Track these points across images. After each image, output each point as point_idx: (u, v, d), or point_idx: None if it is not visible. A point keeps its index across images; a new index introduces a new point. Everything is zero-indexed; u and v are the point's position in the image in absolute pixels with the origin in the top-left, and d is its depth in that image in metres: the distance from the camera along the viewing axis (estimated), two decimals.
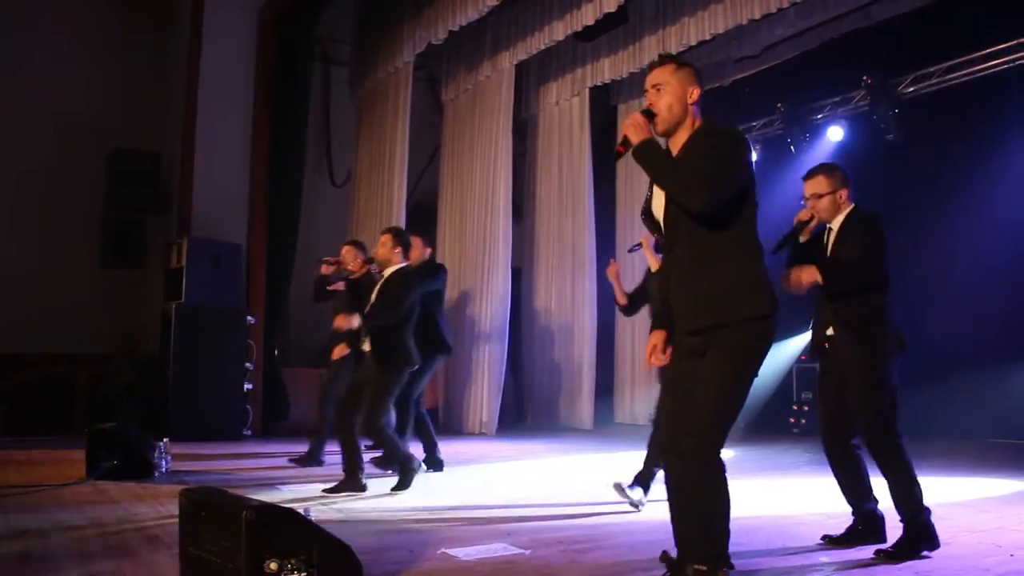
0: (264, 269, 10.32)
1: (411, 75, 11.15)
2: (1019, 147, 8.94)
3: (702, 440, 3.00)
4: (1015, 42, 9.04)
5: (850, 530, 4.15)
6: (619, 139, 3.23)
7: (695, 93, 3.20)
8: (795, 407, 10.47)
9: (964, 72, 9.58)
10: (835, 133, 10.77)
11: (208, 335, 9.25)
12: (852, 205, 4.22)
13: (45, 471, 6.45)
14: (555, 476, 6.85)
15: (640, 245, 5.28)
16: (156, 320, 10.02)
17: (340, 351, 6.68)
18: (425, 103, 12.55)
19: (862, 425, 3.98)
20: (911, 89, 10.11)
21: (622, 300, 5.84)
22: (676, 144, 3.23)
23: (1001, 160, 9.05)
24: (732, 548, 3.05)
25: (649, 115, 3.21)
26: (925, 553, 3.81)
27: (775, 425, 10.34)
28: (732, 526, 3.06)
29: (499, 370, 10.95)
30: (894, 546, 3.85)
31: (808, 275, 4.03)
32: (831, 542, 4.12)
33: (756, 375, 3.07)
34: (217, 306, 9.41)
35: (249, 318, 9.76)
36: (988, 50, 9.34)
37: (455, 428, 11.06)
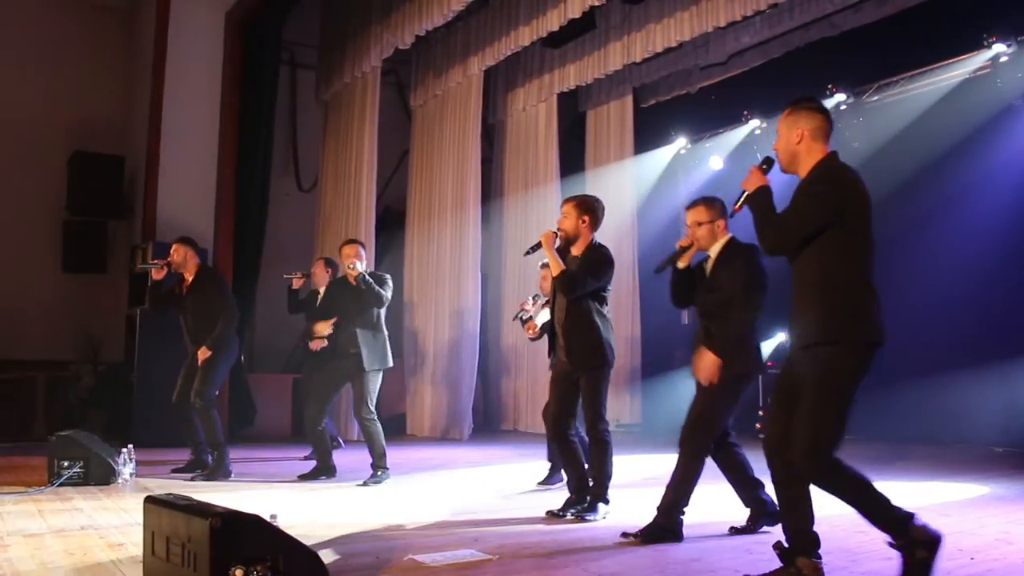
0: (230, 274, 10.24)
1: (379, 80, 11.13)
2: (981, 155, 9.07)
3: (811, 462, 3.22)
4: (975, 53, 9.18)
5: (749, 518, 4.63)
6: (737, 198, 3.61)
7: (800, 133, 3.45)
8: (761, 412, 10.53)
9: (927, 82, 9.72)
10: None
11: (173, 340, 9.12)
12: (728, 235, 4.59)
13: (5, 478, 6.36)
14: (523, 482, 6.86)
15: (539, 245, 5.21)
16: (120, 325, 9.91)
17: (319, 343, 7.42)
18: (393, 108, 12.52)
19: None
20: (875, 98, 10.23)
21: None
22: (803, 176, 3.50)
23: (965, 168, 9.16)
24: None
25: (767, 162, 3.60)
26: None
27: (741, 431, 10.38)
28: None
29: (470, 376, 10.94)
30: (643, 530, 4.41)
31: (709, 363, 4.41)
32: (736, 532, 4.58)
33: (852, 393, 3.23)
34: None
35: None
36: (949, 60, 9.48)
37: (424, 434, 11.04)
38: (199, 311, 6.99)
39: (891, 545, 3.24)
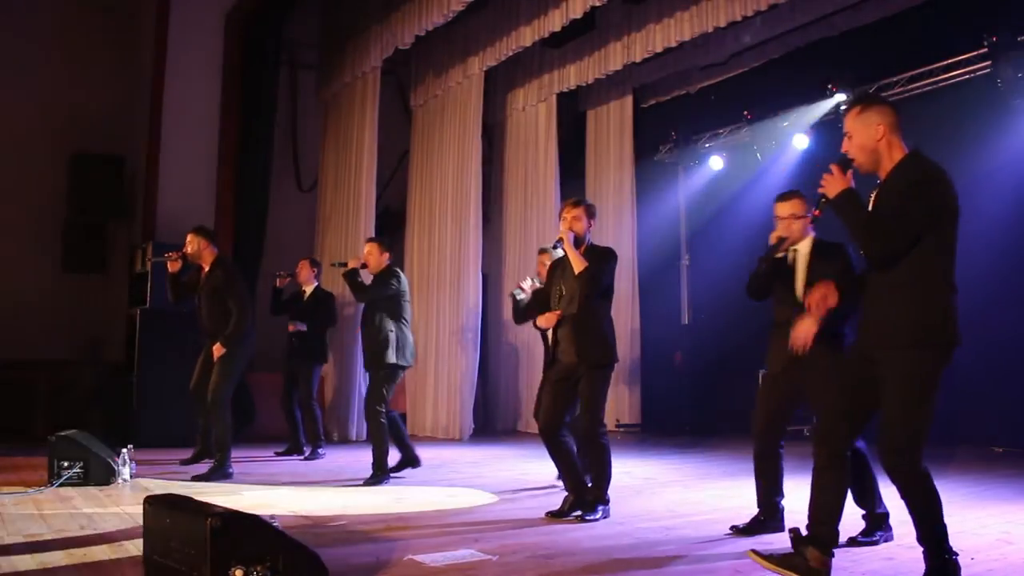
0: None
1: (379, 80, 11.13)
2: (980, 156, 9.06)
3: (902, 458, 3.27)
4: (975, 53, 9.18)
5: (754, 520, 4.58)
6: (817, 201, 3.54)
7: (879, 131, 3.40)
8: None
9: (926, 82, 9.71)
10: (801, 141, 10.86)
11: (173, 341, 9.15)
12: (812, 233, 4.56)
13: (5, 478, 6.36)
14: (523, 483, 6.86)
15: (561, 242, 5.27)
16: (120, 325, 9.91)
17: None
18: (393, 108, 12.51)
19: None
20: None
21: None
22: (883, 175, 3.46)
23: (965, 169, 9.13)
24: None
25: (845, 163, 3.47)
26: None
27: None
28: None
29: (471, 375, 10.94)
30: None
31: (805, 326, 4.11)
32: (737, 532, 4.55)
33: (936, 392, 3.30)
34: (182, 312, 9.29)
35: None
36: (949, 60, 9.48)
37: (425, 434, 11.04)
38: (213, 303, 6.94)
39: (924, 557, 3.37)
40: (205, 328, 7.08)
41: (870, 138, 3.42)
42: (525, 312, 6.70)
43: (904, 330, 3.28)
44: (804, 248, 4.53)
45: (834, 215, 3.47)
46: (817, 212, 3.60)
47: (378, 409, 6.55)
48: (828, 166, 3.46)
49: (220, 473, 6.69)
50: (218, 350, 6.79)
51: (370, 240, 7.25)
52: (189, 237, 7.07)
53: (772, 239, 4.55)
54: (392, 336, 6.62)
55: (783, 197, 4.60)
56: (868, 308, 3.44)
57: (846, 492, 3.58)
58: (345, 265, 7.02)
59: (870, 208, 3.41)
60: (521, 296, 6.77)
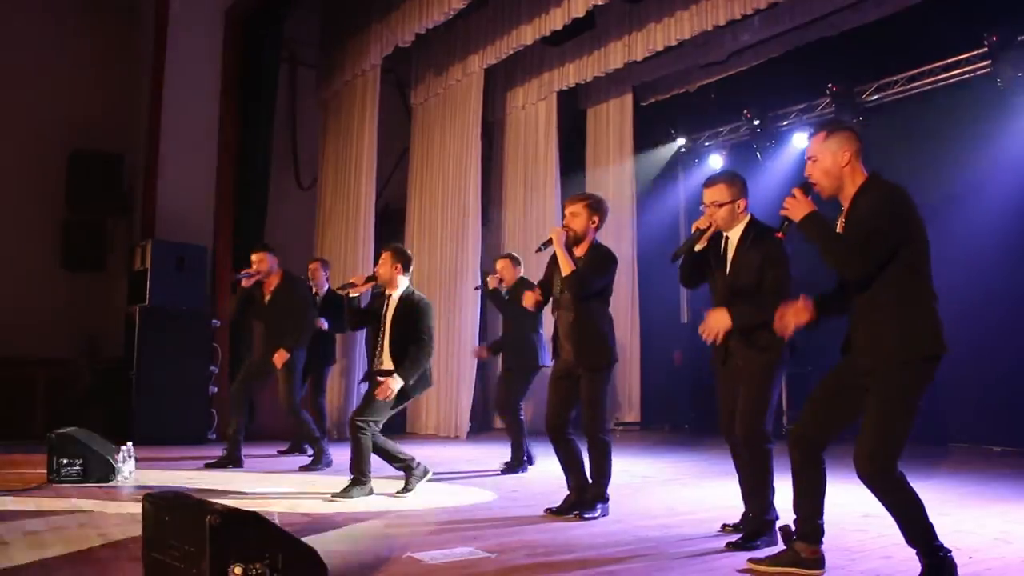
0: (229, 272, 10.23)
1: (379, 78, 11.12)
2: (980, 155, 9.07)
3: (875, 467, 3.31)
4: (974, 52, 9.19)
5: (744, 516, 4.54)
6: (779, 223, 3.59)
7: (845, 157, 3.48)
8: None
9: (926, 81, 9.73)
10: (800, 140, 10.87)
11: (172, 338, 9.16)
12: (749, 215, 4.40)
13: (5, 475, 6.36)
14: (522, 481, 6.86)
15: (551, 242, 5.20)
16: (119, 323, 9.91)
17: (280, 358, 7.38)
18: (393, 107, 12.50)
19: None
20: (875, 97, 10.23)
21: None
22: (845, 199, 3.52)
23: (965, 168, 9.16)
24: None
25: (807, 187, 3.53)
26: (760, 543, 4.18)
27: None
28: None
29: (470, 374, 10.94)
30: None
31: (718, 321, 4.24)
32: (729, 529, 4.56)
33: (917, 404, 3.36)
34: (181, 309, 9.32)
35: (214, 321, 9.68)
36: (948, 60, 9.49)
37: (424, 432, 11.03)
38: (280, 316, 7.37)
39: (918, 556, 3.41)
40: (267, 340, 7.41)
41: (836, 164, 3.49)
42: (358, 319, 6.44)
43: (893, 347, 3.35)
44: (735, 235, 4.38)
45: (799, 237, 3.53)
46: (780, 234, 3.66)
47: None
48: (791, 190, 3.51)
49: (323, 462, 7.30)
50: (281, 356, 7.17)
51: None
52: (259, 256, 7.50)
53: (693, 227, 4.46)
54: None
55: (707, 183, 4.46)
56: (855, 325, 3.50)
57: (824, 489, 3.64)
58: (382, 293, 6.28)
59: (839, 231, 3.49)
60: (353, 294, 6.30)
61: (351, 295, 6.24)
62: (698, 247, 4.44)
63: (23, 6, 10.51)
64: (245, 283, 7.54)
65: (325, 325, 8.32)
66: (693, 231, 4.44)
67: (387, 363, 5.92)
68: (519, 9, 10.31)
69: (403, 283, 6.09)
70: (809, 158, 3.58)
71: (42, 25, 10.63)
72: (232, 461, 7.26)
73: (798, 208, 3.46)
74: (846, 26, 9.96)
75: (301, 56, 12.22)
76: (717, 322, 4.23)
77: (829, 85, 10.32)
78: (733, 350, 4.33)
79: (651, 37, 10.14)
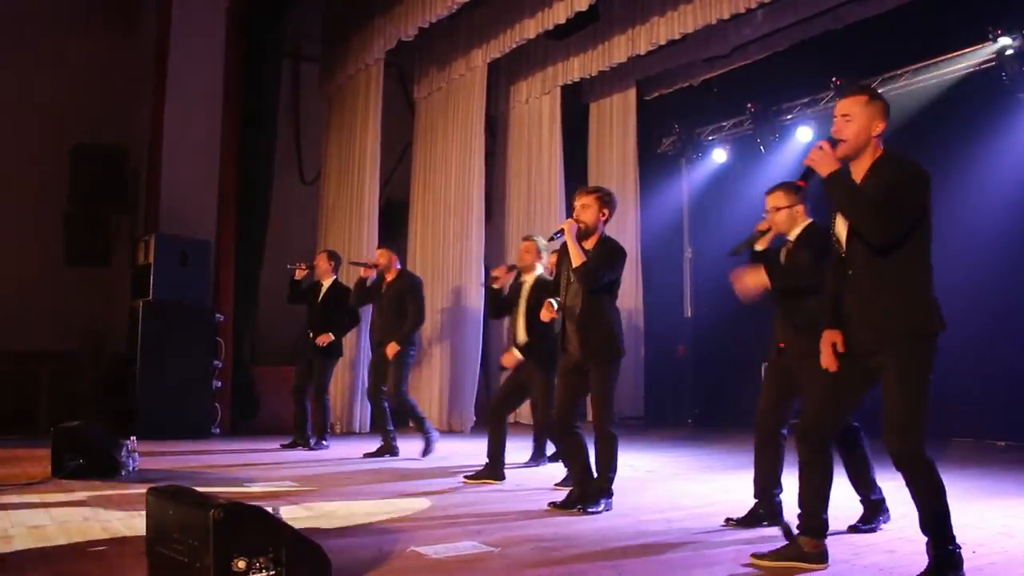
0: (233, 266, 10.24)
1: (382, 72, 11.10)
2: (986, 148, 9.05)
3: (909, 445, 3.32)
4: (980, 46, 9.15)
5: (751, 512, 4.58)
6: (801, 172, 3.54)
7: (879, 127, 3.43)
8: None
9: (932, 74, 9.68)
10: (804, 134, 10.83)
11: (176, 333, 9.16)
12: (809, 220, 4.55)
13: (8, 470, 6.37)
14: (526, 475, 6.87)
15: (562, 232, 5.21)
16: (123, 318, 9.91)
17: (325, 338, 8.18)
18: (396, 101, 12.48)
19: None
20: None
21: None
22: (858, 169, 3.46)
23: (970, 162, 9.13)
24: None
25: (833, 143, 3.45)
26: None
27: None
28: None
29: (473, 369, 10.94)
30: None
31: (753, 277, 4.38)
32: (733, 524, 4.56)
33: (929, 378, 3.37)
34: (185, 303, 9.32)
35: (218, 315, 9.68)
36: (954, 53, 9.44)
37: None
38: (393, 310, 7.84)
39: (927, 548, 3.42)
40: (380, 332, 7.96)
41: (870, 131, 3.44)
42: (502, 307, 6.79)
43: (902, 321, 3.36)
44: (793, 236, 4.58)
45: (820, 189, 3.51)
46: (802, 182, 3.61)
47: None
48: (819, 142, 3.47)
49: (431, 449, 7.82)
50: (392, 348, 7.64)
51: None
52: (381, 252, 8.13)
53: (755, 228, 4.68)
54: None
55: (769, 191, 4.67)
56: (859, 303, 3.47)
57: (831, 484, 3.65)
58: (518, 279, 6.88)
59: None
60: (496, 286, 6.72)
61: (495, 286, 6.85)
62: (758, 247, 4.64)
63: (24, 2, 10.50)
64: (298, 275, 8.33)
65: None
66: (754, 231, 4.66)
67: (521, 336, 6.48)
68: (522, 3, 10.27)
69: (539, 268, 6.68)
70: (844, 115, 3.47)
71: (45, 19, 10.62)
72: (389, 451, 7.95)
73: (825, 162, 3.39)
74: (850, 19, 9.92)
75: (304, 51, 12.21)
76: (752, 279, 4.38)
77: (833, 79, 10.27)
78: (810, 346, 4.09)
79: (655, 31, 10.11)
